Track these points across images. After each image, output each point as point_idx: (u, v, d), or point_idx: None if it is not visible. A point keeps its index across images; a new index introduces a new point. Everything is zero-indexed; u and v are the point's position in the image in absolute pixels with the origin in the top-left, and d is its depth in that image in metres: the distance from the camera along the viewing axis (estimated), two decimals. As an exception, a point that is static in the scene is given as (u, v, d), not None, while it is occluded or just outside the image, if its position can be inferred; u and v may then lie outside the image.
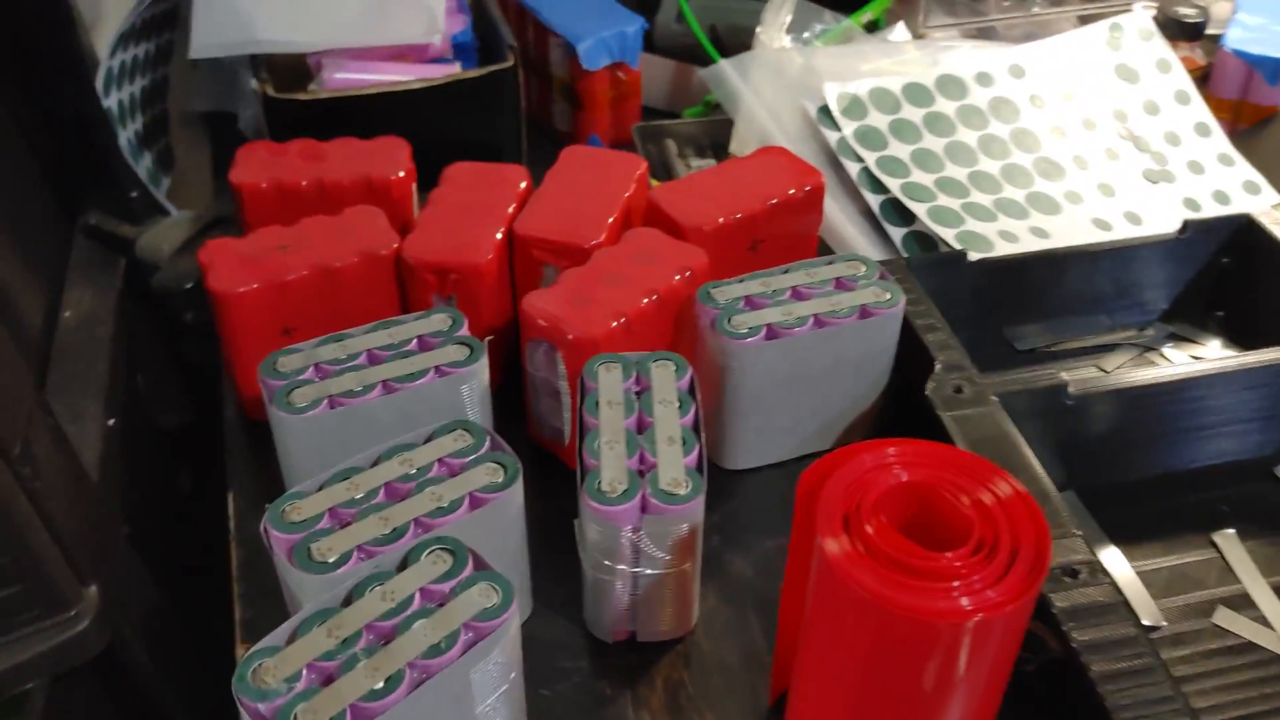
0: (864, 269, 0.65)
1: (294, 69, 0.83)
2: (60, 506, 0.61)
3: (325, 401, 0.56)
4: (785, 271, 0.65)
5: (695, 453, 0.54)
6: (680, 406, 0.56)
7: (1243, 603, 0.60)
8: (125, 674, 0.67)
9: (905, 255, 0.75)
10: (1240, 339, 0.75)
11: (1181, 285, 0.76)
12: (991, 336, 0.73)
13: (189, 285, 0.79)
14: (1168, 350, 0.74)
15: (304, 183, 0.71)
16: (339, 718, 0.43)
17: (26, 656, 0.61)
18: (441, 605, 0.47)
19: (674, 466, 0.53)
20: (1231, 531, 0.63)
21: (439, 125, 0.81)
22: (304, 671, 0.44)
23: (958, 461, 0.45)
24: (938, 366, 0.62)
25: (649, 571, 0.54)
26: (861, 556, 0.43)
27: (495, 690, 0.48)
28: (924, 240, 0.76)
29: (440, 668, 0.45)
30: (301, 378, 0.57)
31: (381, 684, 0.44)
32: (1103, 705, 0.47)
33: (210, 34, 0.78)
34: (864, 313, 0.62)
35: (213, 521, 1.07)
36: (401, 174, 0.72)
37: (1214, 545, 0.62)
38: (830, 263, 0.66)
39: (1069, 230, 0.76)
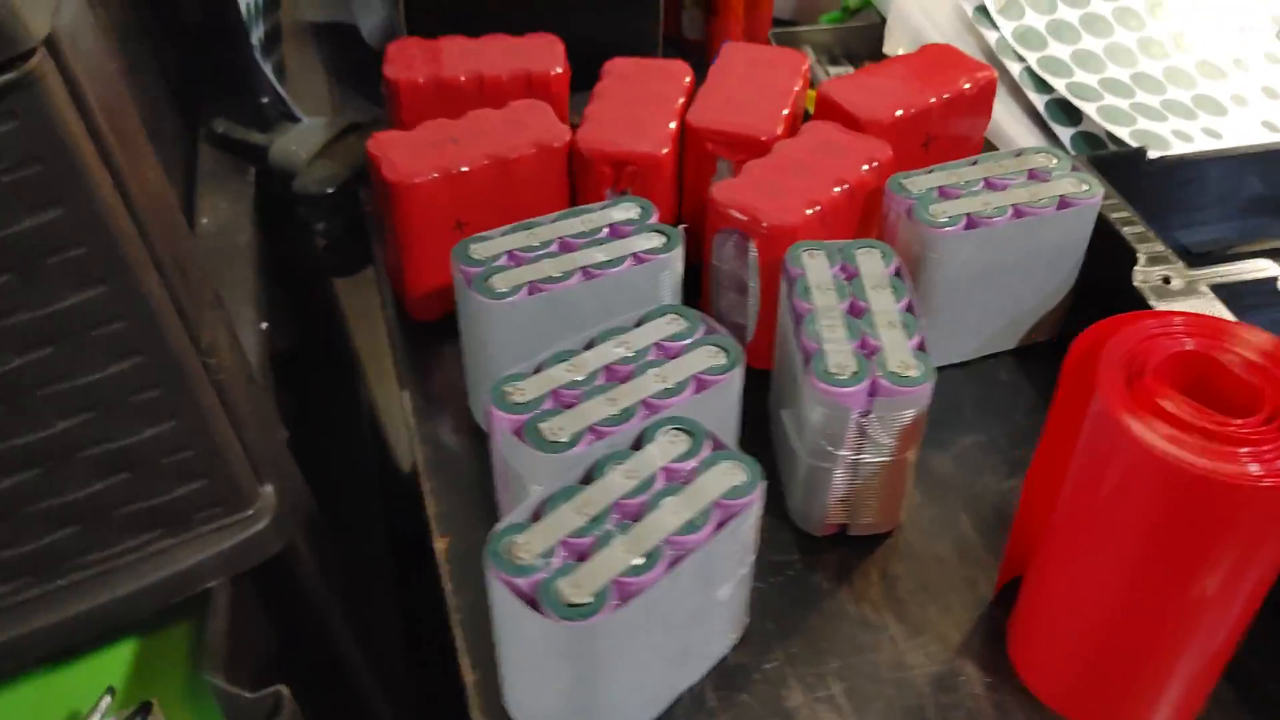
0: (1056, 160, 0.63)
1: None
2: (239, 402, 0.59)
3: (525, 287, 0.54)
4: (974, 163, 0.63)
5: (918, 337, 0.52)
6: (894, 292, 0.54)
7: None
8: (295, 580, 0.66)
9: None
10: None
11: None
12: (1164, 239, 0.70)
13: (330, 190, 0.77)
14: (1346, 253, 0.72)
15: (463, 78, 0.69)
16: (604, 592, 0.41)
17: (208, 554, 0.59)
18: (687, 483, 0.45)
19: (900, 349, 0.51)
20: None
21: (577, 26, 0.79)
22: (558, 547, 0.43)
23: (1242, 335, 0.43)
24: (1141, 258, 0.60)
25: (871, 460, 0.52)
26: (1148, 418, 0.41)
27: (735, 573, 0.47)
28: (1092, 141, 0.73)
29: (696, 545, 0.43)
30: (498, 264, 0.56)
31: (641, 559, 0.42)
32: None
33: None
34: (1063, 203, 0.60)
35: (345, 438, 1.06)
36: (559, 70, 0.70)
37: None
38: (1019, 154, 0.63)
39: (1240, 132, 0.74)
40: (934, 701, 0.50)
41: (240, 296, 0.71)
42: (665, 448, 0.46)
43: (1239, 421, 0.41)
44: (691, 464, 0.46)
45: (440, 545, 0.56)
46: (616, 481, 0.45)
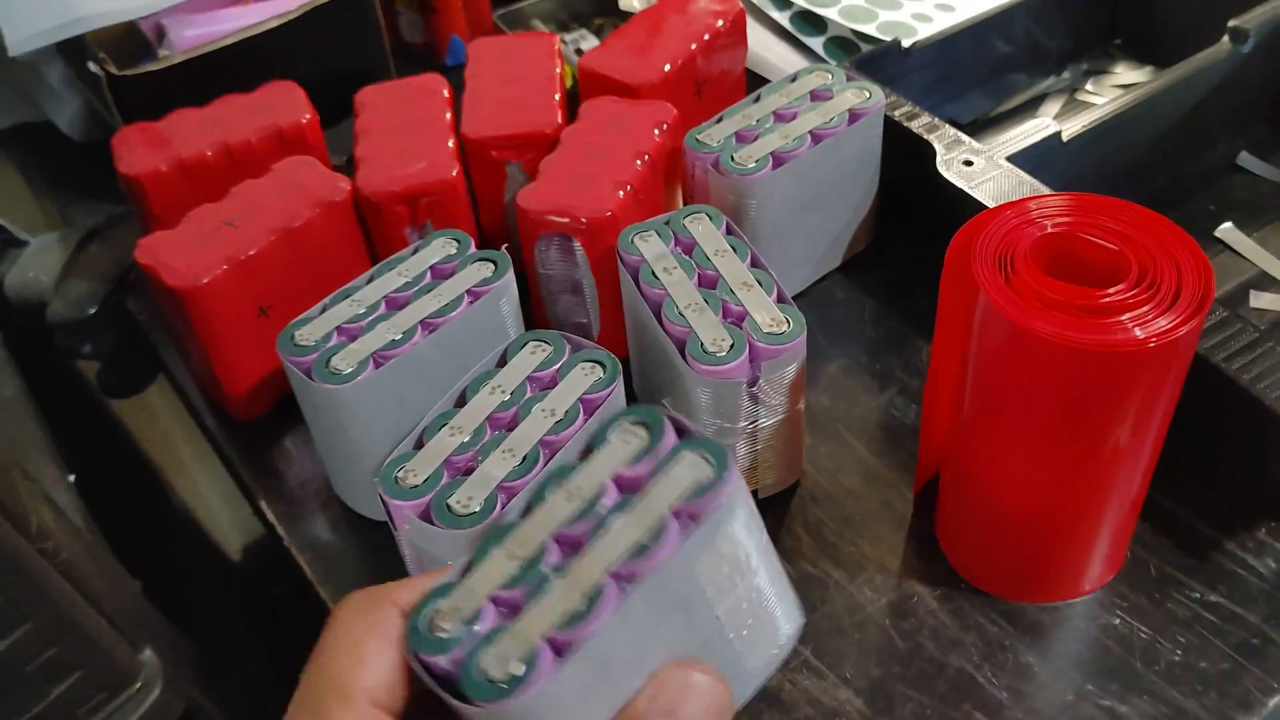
0: (831, 76, 0.63)
1: (117, 45, 0.73)
2: (89, 577, 0.53)
3: (370, 361, 0.51)
4: (756, 100, 0.63)
5: (775, 290, 0.52)
6: (736, 251, 0.54)
7: (1267, 281, 0.63)
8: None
9: (831, 61, 0.74)
10: (1143, 61, 0.79)
11: (1081, 22, 0.78)
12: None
13: (93, 310, 0.69)
14: (1090, 86, 0.77)
15: (209, 153, 0.63)
16: (531, 659, 0.33)
17: (107, 745, 0.54)
18: (639, 493, 0.36)
19: (765, 307, 0.51)
20: (1229, 225, 0.66)
21: (306, 61, 0.74)
22: (486, 606, 0.35)
23: (1093, 206, 0.45)
24: (939, 148, 0.61)
25: (767, 422, 0.52)
26: (1033, 307, 0.42)
27: (742, 581, 0.38)
28: (844, 44, 0.75)
29: (649, 570, 0.35)
30: (330, 344, 0.52)
31: (580, 602, 0.34)
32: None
33: (24, 25, 0.67)
34: (852, 116, 0.61)
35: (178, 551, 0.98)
36: (307, 117, 0.65)
37: (1220, 241, 0.66)
38: (794, 79, 0.64)
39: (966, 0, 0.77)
40: (898, 630, 0.51)
41: (37, 456, 0.63)
42: (618, 450, 0.37)
43: (1112, 290, 0.42)
44: (649, 466, 0.36)
45: (364, 650, 0.52)
46: (558, 508, 0.36)
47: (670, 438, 0.37)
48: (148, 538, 0.92)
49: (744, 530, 0.37)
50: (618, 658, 0.34)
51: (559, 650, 0.33)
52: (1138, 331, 0.41)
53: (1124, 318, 0.42)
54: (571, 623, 0.33)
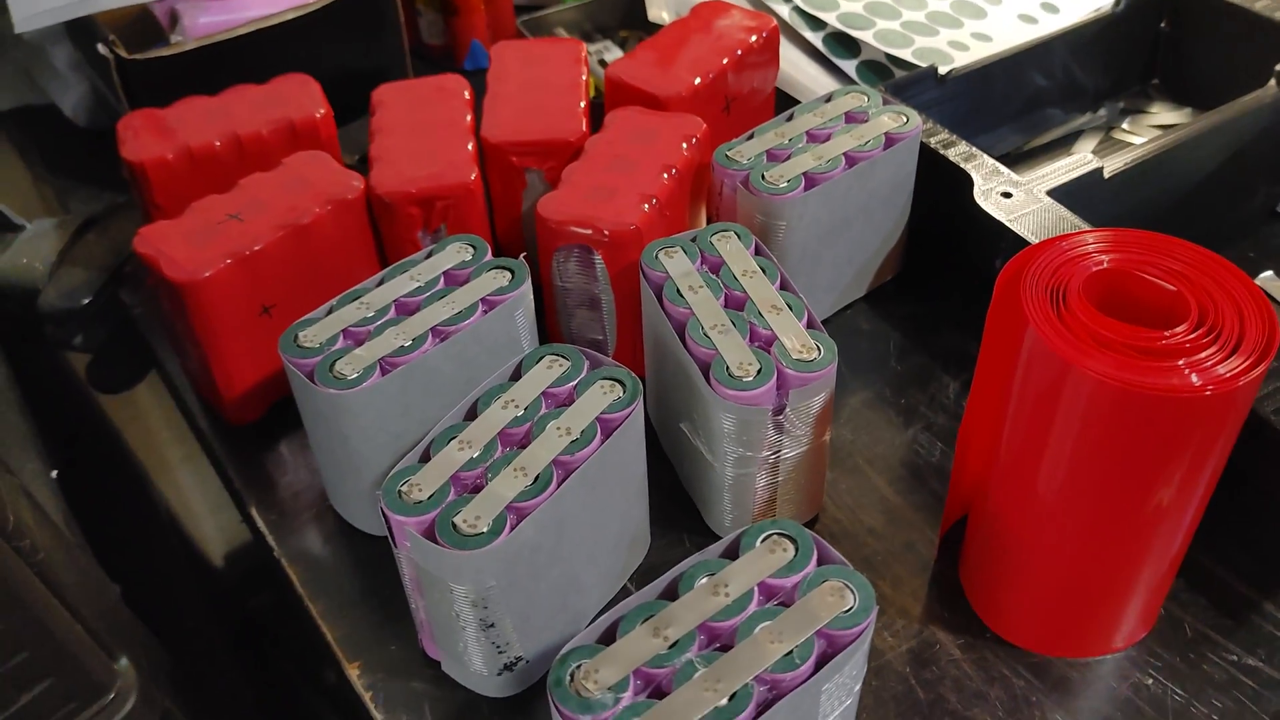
0: (866, 98, 0.61)
1: (129, 29, 0.71)
2: (66, 580, 0.50)
3: (376, 367, 0.48)
4: (789, 119, 0.61)
5: (806, 315, 0.49)
6: (765, 273, 0.51)
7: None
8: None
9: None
10: (1181, 102, 0.77)
11: (1120, 60, 0.76)
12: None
13: (86, 300, 0.67)
14: (1127, 125, 0.75)
15: (217, 143, 0.61)
16: None
17: (75, 759, 0.51)
18: (787, 605, 0.39)
19: (794, 333, 0.48)
20: (1269, 273, 0.64)
21: (322, 56, 0.72)
22: (630, 679, 0.37)
23: (1153, 244, 0.43)
24: (976, 178, 0.59)
25: (790, 453, 0.49)
26: (1085, 345, 0.40)
27: (839, 706, 0.41)
28: (877, 68, 0.73)
29: (794, 685, 0.37)
30: (335, 348, 0.49)
31: (726, 701, 0.36)
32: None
33: (33, 1, 0.65)
34: (888, 140, 0.59)
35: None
36: (321, 112, 0.63)
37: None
38: (828, 99, 0.62)
39: (1004, 30, 0.75)
40: (918, 678, 0.48)
41: (19, 450, 0.60)
42: (763, 557, 0.41)
43: (1169, 333, 0.40)
44: (794, 580, 0.40)
45: (353, 673, 0.49)
46: (703, 598, 0.39)
47: (815, 559, 0.41)
48: (127, 539, 0.89)
49: (863, 663, 0.41)
50: None
51: None
52: (1194, 378, 0.39)
53: (1182, 362, 0.39)
54: (718, 717, 0.36)
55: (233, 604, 1.08)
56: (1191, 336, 0.40)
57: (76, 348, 0.71)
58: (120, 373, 0.72)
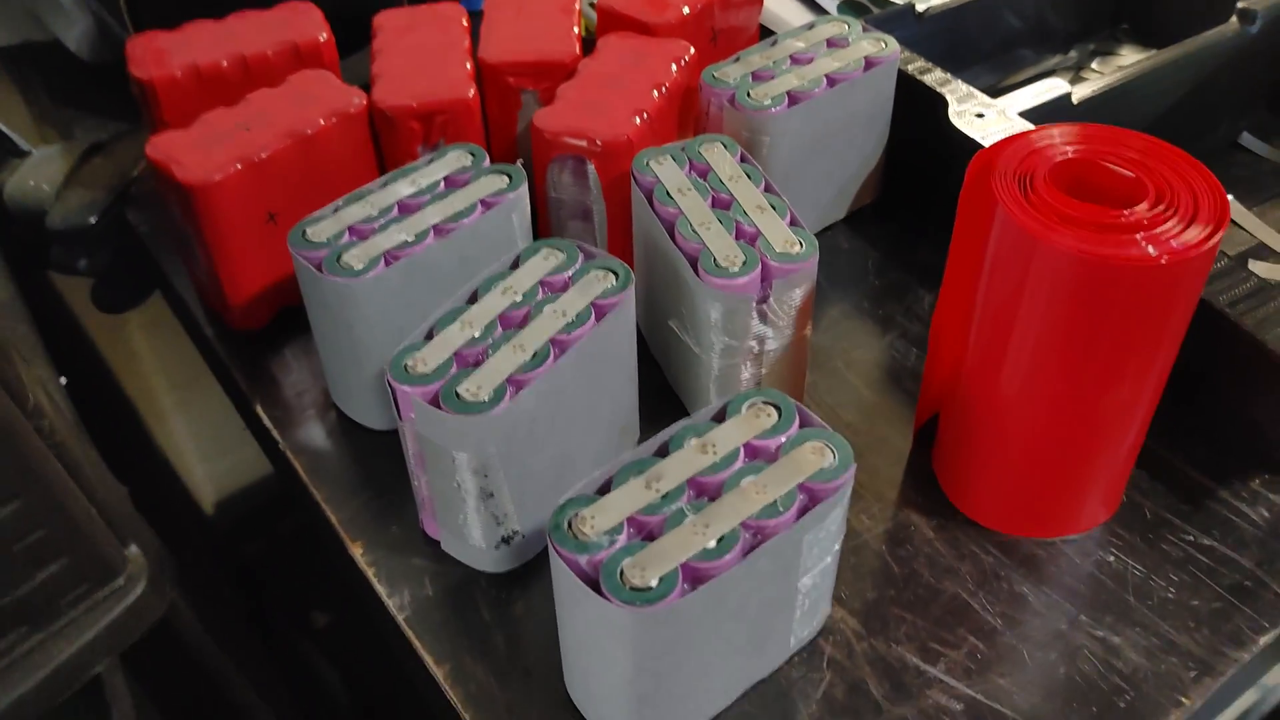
0: (847, 26, 0.64)
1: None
2: (82, 463, 0.52)
3: (381, 259, 0.51)
4: (773, 44, 0.63)
5: (789, 214, 0.52)
6: (750, 178, 0.54)
7: (1266, 252, 0.64)
8: (183, 644, 0.60)
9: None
10: (1148, 45, 0.80)
11: (1089, 4, 0.79)
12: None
13: (93, 219, 0.69)
14: (1096, 66, 0.78)
15: (224, 63, 0.63)
16: (671, 577, 0.38)
17: (86, 638, 0.53)
18: (771, 462, 0.42)
19: (778, 229, 0.51)
20: (1230, 198, 0.67)
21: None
22: (624, 524, 0.40)
23: (1111, 137, 0.46)
24: (951, 100, 0.62)
25: (774, 344, 0.52)
26: (1052, 222, 0.42)
27: (819, 561, 0.44)
28: (856, 7, 0.76)
29: (777, 530, 0.40)
30: (342, 242, 0.51)
31: (714, 543, 0.39)
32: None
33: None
34: (868, 63, 0.61)
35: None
36: (325, 35, 0.65)
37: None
38: (811, 27, 0.64)
39: (979, -27, 0.78)
40: (894, 555, 0.51)
41: (31, 358, 0.62)
42: (749, 421, 0.43)
43: (1128, 211, 0.43)
44: (777, 441, 0.43)
45: (357, 551, 0.51)
46: (692, 456, 0.42)
47: (797, 422, 0.43)
48: (123, 480, 0.91)
49: (842, 519, 0.43)
50: (729, 597, 0.40)
51: (692, 578, 0.39)
52: (1151, 249, 0.42)
53: (1140, 235, 0.42)
54: (705, 557, 0.39)
55: (228, 550, 1.10)
56: (1150, 215, 0.43)
57: (81, 271, 0.73)
58: (124, 293, 0.74)
